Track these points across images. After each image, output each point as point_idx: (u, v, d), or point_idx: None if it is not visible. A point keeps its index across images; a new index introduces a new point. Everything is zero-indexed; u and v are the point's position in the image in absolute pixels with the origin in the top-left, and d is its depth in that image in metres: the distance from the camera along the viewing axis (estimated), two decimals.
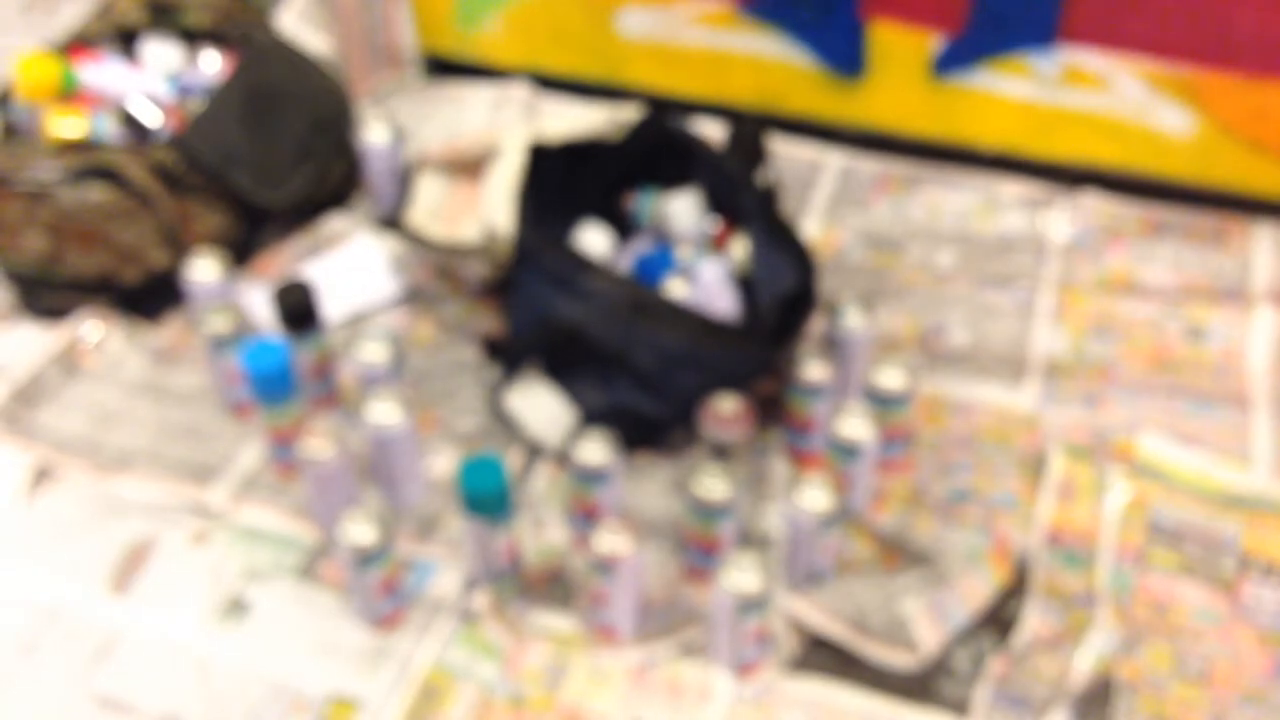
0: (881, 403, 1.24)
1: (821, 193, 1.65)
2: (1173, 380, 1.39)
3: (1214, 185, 1.55)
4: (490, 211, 1.34)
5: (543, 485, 1.30)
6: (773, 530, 1.23)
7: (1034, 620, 1.16)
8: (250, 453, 1.33)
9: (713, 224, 1.42)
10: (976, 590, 1.16)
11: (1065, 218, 1.58)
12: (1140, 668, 1.12)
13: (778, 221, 1.31)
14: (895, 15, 1.56)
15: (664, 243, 1.43)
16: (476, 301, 1.50)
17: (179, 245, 1.42)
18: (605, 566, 1.09)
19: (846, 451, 1.19)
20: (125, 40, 1.55)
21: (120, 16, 1.54)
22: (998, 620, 1.17)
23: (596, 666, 1.14)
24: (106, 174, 1.38)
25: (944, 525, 1.24)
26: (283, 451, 1.28)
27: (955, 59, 1.56)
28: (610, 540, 1.08)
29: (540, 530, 1.24)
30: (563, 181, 1.41)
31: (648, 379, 1.25)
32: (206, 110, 1.45)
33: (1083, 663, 1.11)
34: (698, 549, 1.18)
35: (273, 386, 1.23)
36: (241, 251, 1.51)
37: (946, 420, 1.34)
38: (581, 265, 1.27)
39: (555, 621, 1.17)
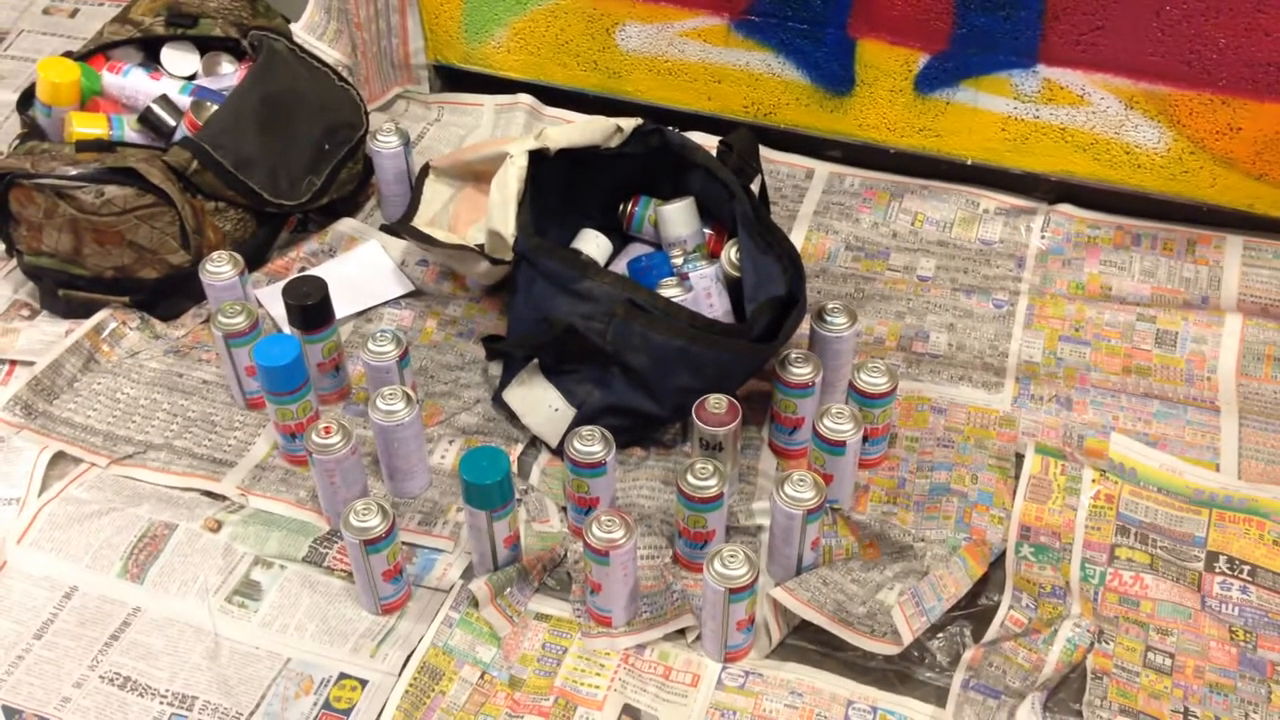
0: (864, 402, 1.28)
1: (810, 202, 1.69)
2: (1144, 384, 1.43)
3: (1186, 198, 1.59)
4: (494, 215, 1.37)
5: (541, 478, 1.34)
6: (760, 522, 1.27)
7: (1008, 612, 1.19)
8: (262, 444, 1.37)
9: (706, 230, 1.45)
10: (953, 582, 1.19)
11: (1043, 228, 1.62)
12: (1110, 659, 1.15)
13: (768, 228, 1.35)
14: (883, 35, 1.59)
15: (659, 248, 1.47)
16: (479, 301, 1.54)
17: (196, 245, 1.45)
18: (600, 555, 1.12)
19: (831, 448, 1.22)
20: (145, 46, 1.57)
21: (140, 23, 1.56)
22: (974, 611, 1.20)
23: (590, 651, 1.17)
24: (126, 175, 1.40)
25: (923, 519, 1.27)
26: (293, 443, 1.32)
27: (939, 77, 1.59)
28: (605, 530, 1.12)
29: (538, 520, 1.28)
30: (563, 189, 1.44)
31: (642, 377, 1.28)
32: (223, 115, 1.47)
33: (1055, 653, 1.15)
34: (689, 540, 1.22)
35: (284, 380, 1.27)
36: (256, 252, 1.54)
37: (926, 420, 1.38)
38: (580, 267, 1.30)
39: (551, 607, 1.21)
